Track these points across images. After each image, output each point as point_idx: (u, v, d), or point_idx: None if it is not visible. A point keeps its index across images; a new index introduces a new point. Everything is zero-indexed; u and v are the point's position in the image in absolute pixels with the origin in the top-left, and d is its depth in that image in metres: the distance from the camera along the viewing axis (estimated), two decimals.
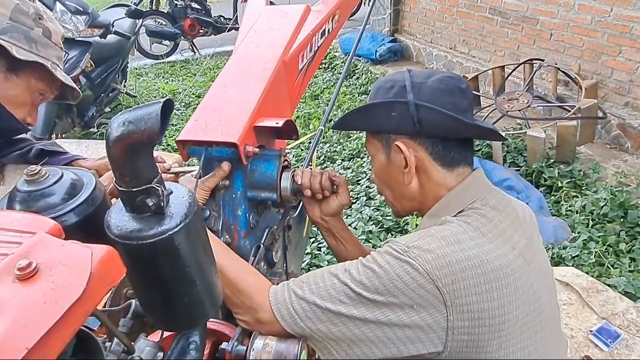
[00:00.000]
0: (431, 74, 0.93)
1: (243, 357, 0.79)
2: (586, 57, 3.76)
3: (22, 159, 1.32)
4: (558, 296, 1.01)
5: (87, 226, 0.61)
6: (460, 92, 0.91)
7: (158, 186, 0.56)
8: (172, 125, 4.34)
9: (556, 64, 3.76)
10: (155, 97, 5.05)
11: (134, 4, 4.92)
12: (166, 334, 0.75)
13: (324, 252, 2.66)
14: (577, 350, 1.66)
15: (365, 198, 3.17)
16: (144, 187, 0.55)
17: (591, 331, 1.70)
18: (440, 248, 0.79)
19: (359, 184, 3.38)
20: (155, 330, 0.76)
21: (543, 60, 3.84)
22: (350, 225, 2.91)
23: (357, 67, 5.55)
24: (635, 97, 3.52)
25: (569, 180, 3.12)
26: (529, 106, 3.61)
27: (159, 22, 6.24)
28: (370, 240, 2.76)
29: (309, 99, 4.95)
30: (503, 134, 1.09)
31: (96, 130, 4.00)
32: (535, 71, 3.76)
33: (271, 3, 1.54)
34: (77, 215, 0.60)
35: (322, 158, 3.83)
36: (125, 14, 4.45)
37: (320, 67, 5.66)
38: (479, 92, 4.13)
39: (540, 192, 3.06)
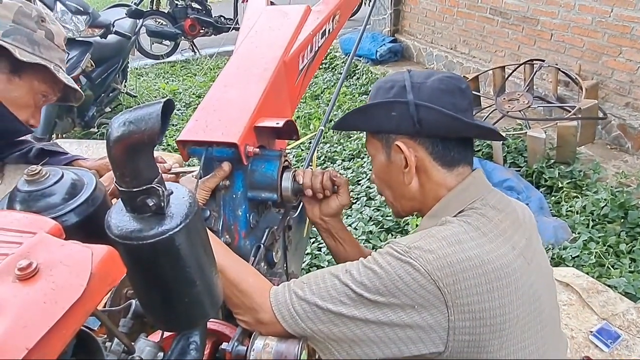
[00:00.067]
0: (431, 74, 0.93)
1: (243, 358, 0.79)
2: (587, 58, 3.76)
3: (23, 159, 1.32)
4: (558, 297, 1.01)
5: (88, 226, 0.61)
6: (460, 92, 0.91)
7: (158, 186, 0.56)
8: (173, 125, 4.34)
9: (557, 65, 3.76)
10: (155, 97, 5.05)
11: (135, 4, 4.93)
12: (166, 334, 0.75)
13: (324, 253, 2.66)
14: (578, 350, 1.66)
15: (365, 198, 3.16)
16: (144, 188, 0.55)
17: (591, 332, 1.70)
18: (442, 248, 0.79)
19: (359, 184, 3.38)
20: (156, 330, 0.76)
21: (543, 60, 3.84)
22: (350, 225, 2.91)
23: (358, 68, 5.55)
24: (635, 97, 3.52)
25: (570, 180, 3.12)
26: (529, 107, 3.61)
27: (159, 22, 6.25)
28: (370, 241, 2.76)
29: (309, 99, 4.95)
30: (503, 134, 1.09)
31: (96, 130, 4.00)
32: (536, 71, 3.76)
33: (272, 3, 1.54)
34: (77, 215, 0.60)
35: (322, 158, 3.83)
36: (126, 14, 4.46)
37: (321, 67, 5.66)
38: (479, 92, 4.13)
39: (541, 192, 3.06)
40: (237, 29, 4.79)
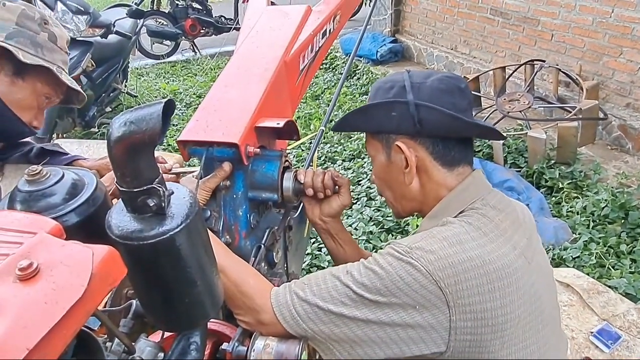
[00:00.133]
0: (430, 74, 0.93)
1: (244, 358, 0.79)
2: (587, 58, 3.76)
3: (23, 159, 1.33)
4: (559, 297, 1.01)
5: (88, 226, 0.60)
6: (459, 92, 0.91)
7: (159, 186, 0.56)
8: (173, 125, 4.34)
9: (557, 65, 3.76)
10: (156, 97, 5.05)
11: (135, 4, 4.94)
12: (167, 334, 0.75)
13: (324, 253, 2.65)
14: (578, 351, 1.65)
15: (365, 199, 3.16)
16: (145, 188, 0.55)
17: (592, 332, 1.70)
18: (443, 249, 0.79)
19: (360, 184, 3.38)
20: (156, 330, 0.76)
21: (544, 61, 3.84)
22: (350, 225, 2.91)
23: (358, 68, 5.55)
24: (636, 98, 3.52)
25: (570, 181, 3.12)
26: (529, 107, 3.61)
27: (160, 22, 6.25)
28: (370, 241, 2.76)
29: (309, 99, 4.95)
30: (504, 134, 1.09)
31: (97, 130, 4.00)
32: (536, 72, 3.76)
33: (272, 3, 1.54)
34: (78, 215, 0.60)
35: (322, 158, 3.83)
36: (127, 14, 4.46)
37: (321, 67, 5.66)
38: (479, 93, 4.13)
39: (541, 193, 3.06)
40: (238, 29, 4.80)
